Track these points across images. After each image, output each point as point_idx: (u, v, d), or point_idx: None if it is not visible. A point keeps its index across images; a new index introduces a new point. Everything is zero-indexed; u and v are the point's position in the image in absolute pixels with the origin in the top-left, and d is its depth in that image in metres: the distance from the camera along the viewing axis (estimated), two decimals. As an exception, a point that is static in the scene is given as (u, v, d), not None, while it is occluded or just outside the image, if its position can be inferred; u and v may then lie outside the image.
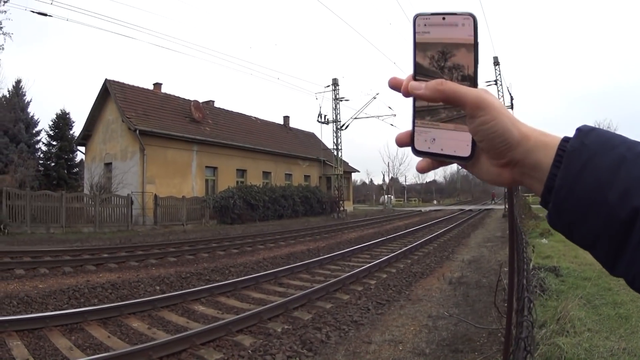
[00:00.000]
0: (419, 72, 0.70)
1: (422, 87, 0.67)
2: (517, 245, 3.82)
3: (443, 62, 0.68)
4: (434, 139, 0.71)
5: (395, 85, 0.73)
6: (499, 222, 26.81)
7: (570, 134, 0.64)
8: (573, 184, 0.60)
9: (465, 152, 0.69)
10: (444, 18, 0.68)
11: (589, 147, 0.60)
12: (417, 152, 0.73)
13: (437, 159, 0.73)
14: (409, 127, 0.73)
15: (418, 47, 0.70)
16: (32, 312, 7.06)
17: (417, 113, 0.72)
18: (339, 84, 38.44)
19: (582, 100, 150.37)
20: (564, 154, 0.62)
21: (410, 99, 0.72)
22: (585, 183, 0.59)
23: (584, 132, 0.63)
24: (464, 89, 0.65)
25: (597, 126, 0.64)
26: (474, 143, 0.69)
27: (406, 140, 0.74)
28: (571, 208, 0.61)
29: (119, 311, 6.99)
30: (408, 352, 5.31)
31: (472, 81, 0.67)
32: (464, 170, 0.73)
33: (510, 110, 0.70)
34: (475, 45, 0.67)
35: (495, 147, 0.65)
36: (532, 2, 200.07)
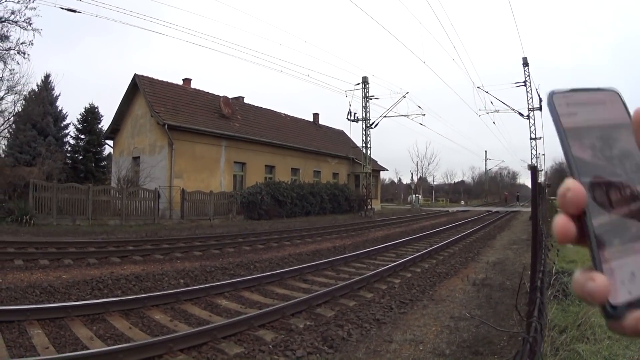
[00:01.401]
0: (581, 169, 0.54)
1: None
2: (539, 248, 3.83)
3: (609, 152, 0.54)
4: (634, 274, 0.50)
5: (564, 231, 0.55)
6: (525, 225, 26.46)
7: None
8: None
9: None
10: (587, 95, 0.57)
11: None
12: (615, 310, 0.49)
13: None
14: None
15: (569, 134, 0.55)
16: (54, 302, 7.14)
17: (598, 240, 0.53)
18: (368, 82, 38.39)
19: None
20: None
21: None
22: None
23: None
24: None
25: None
26: None
27: (602, 294, 0.48)
28: None
29: (142, 303, 7.05)
30: (428, 353, 5.33)
31: None
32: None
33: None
34: (635, 126, 0.55)
35: None
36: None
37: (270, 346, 5.41)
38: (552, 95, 0.57)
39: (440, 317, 6.89)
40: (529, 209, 37.41)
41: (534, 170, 4.35)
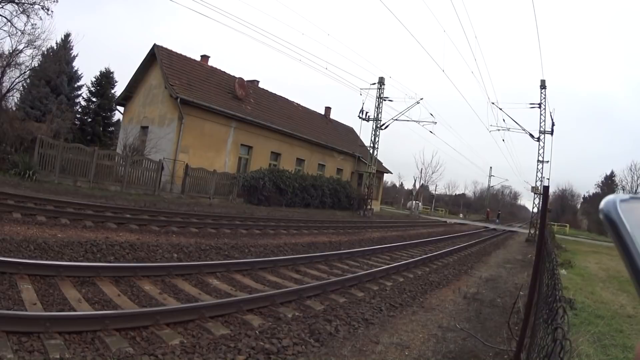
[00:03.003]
0: None
1: None
2: (541, 268, 3.80)
3: None
4: None
5: None
6: (521, 246, 26.50)
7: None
8: None
9: None
10: None
11: None
12: None
13: None
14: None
15: None
16: (47, 259, 7.18)
17: None
18: (384, 83, 38.27)
19: (624, 133, 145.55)
20: None
21: None
22: None
23: None
24: None
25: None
26: None
27: None
28: None
29: (133, 272, 7.09)
30: (413, 359, 5.32)
31: None
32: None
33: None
34: None
35: None
36: (585, 26, 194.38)
37: (257, 332, 5.40)
38: (613, 203, 0.47)
39: (429, 325, 6.87)
40: (526, 230, 37.52)
41: (546, 190, 4.30)
